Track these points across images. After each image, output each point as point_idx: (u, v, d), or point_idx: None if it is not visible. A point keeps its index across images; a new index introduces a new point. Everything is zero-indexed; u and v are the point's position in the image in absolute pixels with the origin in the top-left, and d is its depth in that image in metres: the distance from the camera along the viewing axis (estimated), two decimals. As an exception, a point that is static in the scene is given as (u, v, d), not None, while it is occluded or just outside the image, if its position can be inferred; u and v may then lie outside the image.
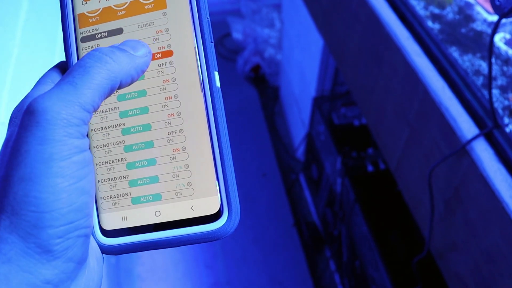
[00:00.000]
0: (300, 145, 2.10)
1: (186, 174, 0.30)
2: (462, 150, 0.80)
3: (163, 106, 0.31)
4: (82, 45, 0.32)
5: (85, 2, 0.33)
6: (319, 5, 1.48)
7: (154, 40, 0.31)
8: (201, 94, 0.30)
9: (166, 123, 0.31)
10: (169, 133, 0.30)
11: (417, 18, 0.97)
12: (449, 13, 0.99)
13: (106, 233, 0.31)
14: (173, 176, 0.30)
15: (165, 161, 0.30)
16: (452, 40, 0.92)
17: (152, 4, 0.32)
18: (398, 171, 1.07)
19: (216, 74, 0.31)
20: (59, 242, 0.25)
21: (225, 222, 0.30)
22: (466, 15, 0.98)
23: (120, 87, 0.28)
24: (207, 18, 0.31)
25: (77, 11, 0.33)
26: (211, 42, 0.31)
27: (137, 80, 0.30)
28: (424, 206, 0.96)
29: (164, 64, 0.31)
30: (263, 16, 2.49)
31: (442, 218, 0.91)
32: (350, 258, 1.60)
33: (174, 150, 0.30)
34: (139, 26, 0.32)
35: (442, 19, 0.97)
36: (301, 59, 1.97)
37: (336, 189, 1.67)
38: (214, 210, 0.30)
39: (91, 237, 0.30)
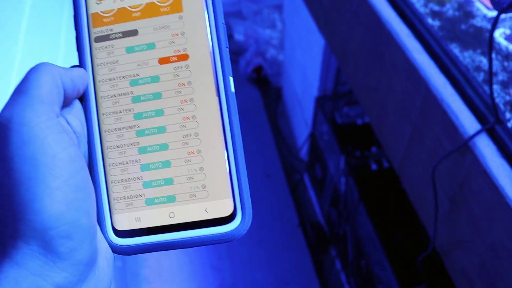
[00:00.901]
0: (303, 145, 2.10)
1: (201, 176, 0.30)
2: (465, 146, 0.80)
3: (178, 109, 0.31)
4: (95, 45, 0.32)
5: (99, 2, 0.32)
6: (320, 5, 1.48)
7: (170, 43, 0.31)
8: (216, 99, 0.31)
9: (181, 126, 0.31)
10: (184, 136, 0.31)
11: (417, 16, 0.97)
12: (449, 9, 0.99)
13: (119, 233, 0.31)
14: (188, 178, 0.31)
15: (179, 163, 0.31)
16: (452, 36, 0.92)
17: (168, 7, 0.32)
18: (402, 170, 1.07)
19: (231, 79, 0.31)
20: (63, 243, 0.25)
21: (239, 224, 0.30)
22: (466, 12, 0.98)
23: (65, 87, 0.29)
24: (223, 23, 0.31)
25: (91, 11, 0.32)
26: (227, 47, 0.31)
27: (82, 88, 0.31)
28: (428, 204, 0.96)
29: (179, 67, 0.31)
30: (264, 17, 2.49)
31: (447, 215, 0.91)
32: (355, 257, 1.60)
33: (189, 153, 0.31)
34: (155, 29, 0.32)
35: (442, 16, 0.97)
36: (303, 59, 1.97)
37: (340, 188, 1.67)
38: (227, 212, 0.30)
39: (101, 238, 0.30)
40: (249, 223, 0.30)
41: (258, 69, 2.57)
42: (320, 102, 1.77)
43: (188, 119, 0.31)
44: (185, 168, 0.31)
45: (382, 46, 1.05)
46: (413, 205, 1.06)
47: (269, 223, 2.01)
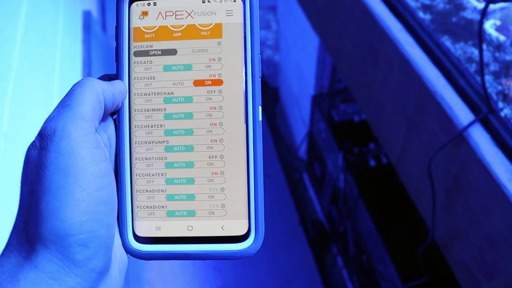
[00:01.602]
0: (301, 143, 2.11)
1: (221, 196, 0.32)
2: (460, 137, 0.81)
3: (207, 131, 0.32)
4: (134, 58, 0.33)
5: (142, 17, 0.33)
6: (313, 4, 1.49)
7: (206, 67, 0.33)
8: (244, 126, 0.32)
9: (208, 147, 0.32)
10: (209, 157, 0.32)
11: (408, 10, 0.98)
12: (440, 3, 0.99)
13: (139, 239, 0.32)
14: (209, 196, 0.32)
15: (203, 182, 0.32)
16: (443, 29, 0.93)
17: (209, 32, 0.33)
18: (399, 164, 1.08)
19: (260, 108, 0.32)
20: (79, 250, 0.26)
21: (251, 243, 0.32)
22: (456, 4, 0.99)
23: (106, 102, 0.30)
24: (259, 54, 0.33)
25: (133, 24, 0.33)
26: (259, 77, 0.33)
27: (121, 102, 0.32)
28: (426, 197, 0.96)
29: (213, 91, 0.32)
30: (259, 18, 2.50)
31: (444, 207, 0.92)
32: (357, 253, 1.60)
33: (212, 173, 0.32)
34: (193, 51, 0.33)
35: (432, 9, 0.98)
36: (299, 58, 1.98)
37: (339, 185, 1.68)
38: (242, 232, 0.32)
39: (116, 248, 0.31)
40: (261, 243, 0.32)
41: (261, 75, 2.58)
42: (317, 100, 1.78)
43: (216, 141, 0.32)
44: (208, 187, 0.32)
45: (376, 42, 1.06)
46: (411, 199, 1.07)
47: (270, 223, 2.01)
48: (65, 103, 0.29)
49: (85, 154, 0.27)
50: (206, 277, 1.86)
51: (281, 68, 2.34)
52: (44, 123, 0.28)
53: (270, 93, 2.55)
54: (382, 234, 1.42)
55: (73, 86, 0.30)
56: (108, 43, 1.83)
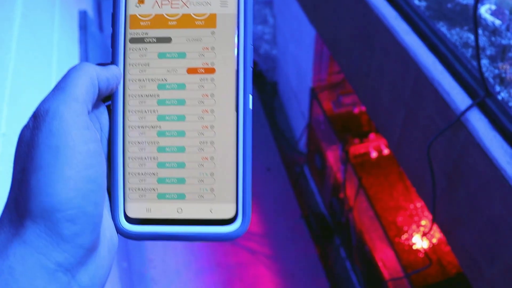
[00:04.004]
0: (301, 136, 2.11)
1: (211, 181, 0.33)
2: (458, 122, 0.81)
3: (199, 118, 0.33)
4: (130, 45, 0.34)
5: (138, 5, 0.34)
6: (308, -4, 1.49)
7: (200, 55, 0.33)
8: (235, 113, 0.33)
9: (199, 133, 0.33)
10: (200, 143, 0.33)
11: (403, -3, 0.98)
12: (434, -11, 0.99)
13: (130, 220, 0.33)
14: (199, 180, 0.33)
15: (193, 166, 0.33)
16: (439, 15, 0.93)
17: (203, 22, 0.34)
18: (399, 151, 1.08)
19: (251, 97, 0.33)
20: (67, 226, 0.27)
21: (238, 227, 0.33)
22: (451, -10, 0.99)
23: (100, 86, 0.31)
24: (251, 44, 0.33)
25: (130, 12, 0.34)
26: (251, 67, 0.33)
27: (115, 86, 0.33)
28: (426, 183, 0.97)
29: (205, 79, 0.33)
30: (255, 13, 2.50)
31: (445, 193, 0.92)
32: (359, 244, 1.61)
33: (203, 158, 0.33)
34: (187, 40, 0.34)
35: (428, -5, 0.98)
36: (296, 52, 1.98)
37: (340, 176, 1.68)
38: (230, 215, 0.33)
39: (106, 228, 0.32)
40: (247, 227, 0.33)
41: (253, 65, 2.58)
42: (315, 92, 1.78)
43: (207, 128, 0.33)
44: (198, 171, 0.33)
45: (371, 30, 1.06)
46: (412, 185, 1.07)
47: (271, 217, 2.02)
48: (59, 86, 0.29)
49: (76, 134, 0.28)
50: (209, 274, 1.86)
51: (279, 62, 2.34)
52: (38, 105, 0.29)
53: (268, 88, 2.55)
54: (384, 224, 1.43)
55: (69, 70, 0.30)
56: (105, 43, 1.83)
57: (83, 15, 1.69)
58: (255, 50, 2.49)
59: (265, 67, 2.52)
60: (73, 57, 1.45)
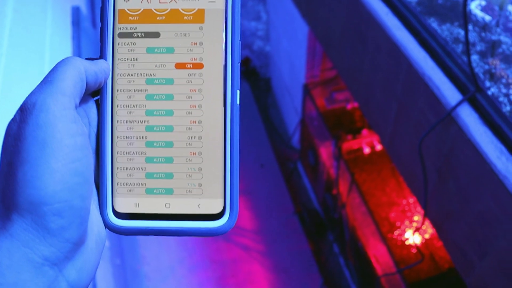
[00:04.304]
0: (294, 132, 2.12)
1: (198, 176, 0.33)
2: (448, 117, 0.81)
3: (187, 113, 0.33)
4: (118, 40, 0.34)
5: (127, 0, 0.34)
6: (301, -8, 1.49)
7: (188, 50, 0.34)
8: (223, 108, 0.33)
9: (187, 128, 0.33)
10: (188, 137, 0.33)
11: (395, -7, 0.98)
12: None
13: (118, 215, 0.33)
14: (186, 175, 0.33)
15: (181, 161, 0.33)
16: (430, 11, 0.93)
17: (191, 17, 0.34)
18: (391, 147, 1.09)
19: (238, 92, 0.33)
20: (54, 219, 0.27)
21: (226, 222, 0.33)
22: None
23: (88, 80, 0.31)
24: (239, 40, 0.33)
25: (118, 6, 0.34)
26: (239, 62, 0.33)
27: (103, 81, 0.33)
28: (418, 178, 0.97)
29: (193, 74, 0.33)
30: (249, 9, 2.50)
31: (436, 187, 0.92)
32: (352, 240, 1.61)
33: (190, 153, 0.33)
34: (176, 35, 0.34)
35: (419, -9, 0.98)
36: (289, 48, 1.98)
37: (333, 172, 1.68)
38: (217, 210, 0.33)
39: (93, 222, 0.32)
40: (235, 222, 0.33)
41: (246, 61, 2.58)
42: (308, 88, 1.78)
43: (195, 123, 0.33)
44: (186, 166, 0.33)
45: (363, 26, 1.06)
46: (404, 181, 1.08)
47: (265, 213, 2.02)
48: (47, 79, 0.29)
49: (62, 127, 0.28)
50: (203, 270, 1.87)
51: (272, 58, 2.34)
52: (25, 98, 0.29)
53: (262, 84, 2.55)
54: (377, 220, 1.43)
55: (57, 64, 0.30)
56: (98, 39, 1.82)
57: (76, 11, 1.68)
58: (248, 46, 2.49)
59: (258, 63, 2.52)
60: (65, 53, 1.44)
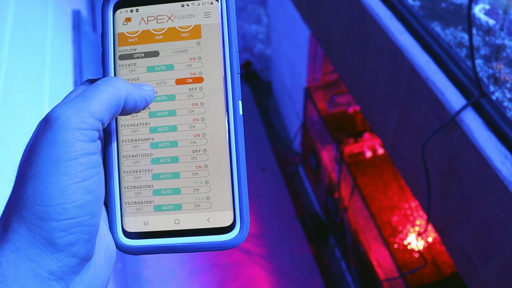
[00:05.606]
0: (296, 136, 2.11)
1: (206, 189, 0.33)
2: (452, 122, 0.81)
3: (190, 127, 0.34)
4: (119, 62, 0.35)
5: (125, 23, 0.35)
6: (302, -5, 1.49)
7: (187, 66, 0.34)
8: (225, 120, 0.34)
9: (191, 142, 0.34)
10: (193, 151, 0.34)
11: (397, -3, 0.98)
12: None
13: (128, 234, 0.34)
14: (194, 190, 0.33)
15: (188, 175, 0.34)
16: (433, 15, 0.93)
17: (188, 33, 0.35)
18: (393, 151, 1.08)
19: (240, 103, 0.34)
20: (62, 235, 0.27)
21: (237, 234, 0.33)
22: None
23: (126, 107, 0.31)
24: (237, 51, 0.34)
25: (118, 30, 0.35)
26: (238, 73, 0.34)
27: (142, 108, 0.33)
28: (421, 183, 0.97)
29: (194, 89, 0.34)
30: (249, 13, 2.50)
31: (440, 192, 0.92)
32: (354, 244, 1.61)
33: (197, 167, 0.33)
34: (174, 52, 0.34)
35: (422, -5, 0.98)
36: (290, 51, 1.98)
37: (335, 176, 1.68)
38: (228, 223, 0.33)
39: (102, 238, 0.32)
40: (247, 234, 0.33)
41: (247, 65, 2.58)
42: (310, 92, 1.78)
43: (199, 136, 0.34)
44: (192, 180, 0.34)
45: (365, 30, 1.06)
46: (407, 185, 1.07)
47: (266, 217, 2.02)
48: (84, 94, 0.29)
49: (79, 146, 0.28)
50: (204, 274, 1.86)
51: (273, 61, 2.34)
52: (53, 107, 0.29)
53: (263, 87, 2.54)
54: (379, 224, 1.43)
55: (101, 80, 0.30)
56: (99, 43, 1.82)
57: (76, 15, 1.68)
58: (249, 49, 2.49)
59: (259, 67, 2.52)
60: (66, 57, 1.44)
